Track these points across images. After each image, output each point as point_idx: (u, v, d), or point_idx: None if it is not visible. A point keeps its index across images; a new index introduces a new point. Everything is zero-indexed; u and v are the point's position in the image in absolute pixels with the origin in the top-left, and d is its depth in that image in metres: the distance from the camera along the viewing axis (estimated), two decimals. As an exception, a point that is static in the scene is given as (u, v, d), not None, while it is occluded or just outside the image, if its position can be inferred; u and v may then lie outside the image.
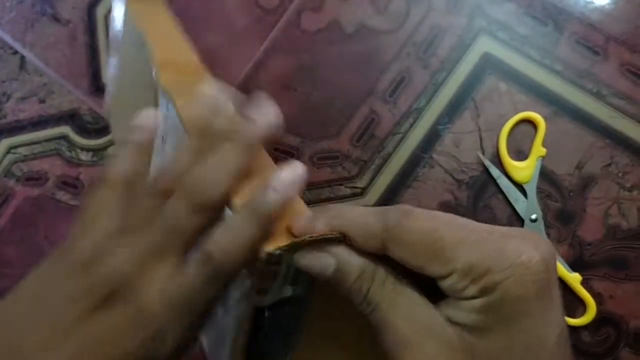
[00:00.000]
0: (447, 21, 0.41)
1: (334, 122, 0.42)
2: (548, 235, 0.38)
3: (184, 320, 0.22)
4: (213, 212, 0.23)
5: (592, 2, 0.40)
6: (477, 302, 0.20)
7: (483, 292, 0.20)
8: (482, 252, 0.20)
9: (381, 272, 0.22)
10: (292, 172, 0.23)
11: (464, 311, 0.21)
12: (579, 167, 0.39)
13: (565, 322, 0.23)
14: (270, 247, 0.22)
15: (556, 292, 0.21)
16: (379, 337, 0.22)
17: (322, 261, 0.22)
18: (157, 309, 0.21)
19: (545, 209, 0.39)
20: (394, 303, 0.22)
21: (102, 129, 0.44)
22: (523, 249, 0.20)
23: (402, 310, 0.21)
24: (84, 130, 0.45)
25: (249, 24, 0.43)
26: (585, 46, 0.40)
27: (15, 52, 0.46)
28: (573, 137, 0.39)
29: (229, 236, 0.22)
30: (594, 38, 0.39)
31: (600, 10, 0.40)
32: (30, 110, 0.45)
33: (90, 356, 0.21)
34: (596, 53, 0.39)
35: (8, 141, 0.45)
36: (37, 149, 0.45)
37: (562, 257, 0.38)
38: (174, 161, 0.24)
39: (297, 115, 0.42)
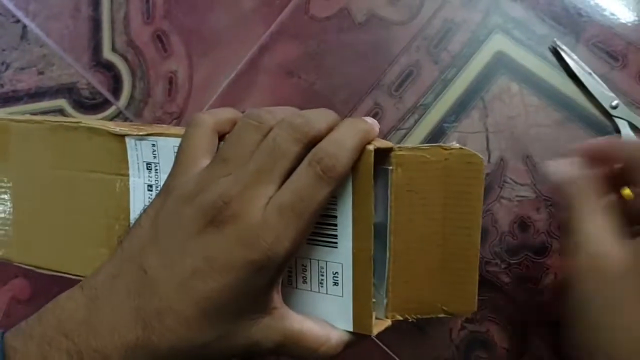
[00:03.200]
0: (461, 16, 0.39)
1: (337, 113, 0.40)
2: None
3: (297, 224, 0.23)
4: (311, 144, 0.24)
5: (614, 5, 0.38)
6: None
7: None
8: None
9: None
10: (371, 119, 0.27)
11: None
12: (588, 176, 0.37)
13: None
14: (372, 146, 0.25)
15: None
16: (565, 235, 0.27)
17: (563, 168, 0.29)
18: (267, 218, 0.23)
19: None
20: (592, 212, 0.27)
21: (99, 105, 0.43)
22: None
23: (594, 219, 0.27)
24: (80, 105, 0.43)
25: (257, 6, 0.42)
26: (605, 51, 0.38)
27: (18, 21, 0.45)
28: (584, 145, 0.37)
29: (333, 142, 0.24)
30: (614, 43, 0.38)
31: (622, 14, 0.38)
32: (28, 81, 0.44)
33: (211, 269, 0.23)
34: (615, 59, 0.38)
35: (3, 111, 0.44)
36: (33, 121, 0.44)
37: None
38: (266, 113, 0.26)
39: (299, 104, 0.40)
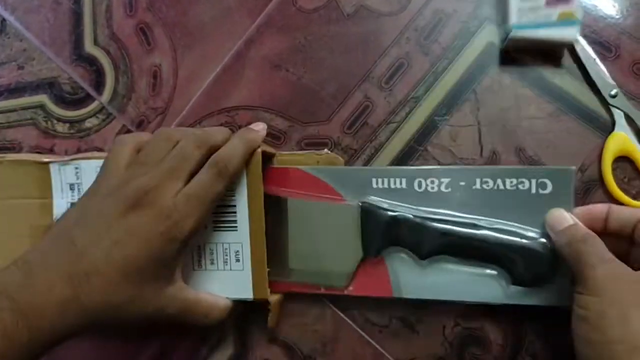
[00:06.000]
0: (452, 6, 0.39)
1: (325, 106, 0.39)
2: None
3: (199, 209, 0.30)
4: (208, 150, 0.32)
5: (607, -5, 0.37)
6: None
7: None
8: None
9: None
10: (262, 124, 0.37)
11: None
12: (581, 169, 0.36)
13: None
14: (260, 149, 0.34)
15: None
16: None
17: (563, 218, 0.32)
18: (176, 203, 0.30)
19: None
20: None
21: (81, 100, 0.42)
22: None
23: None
24: (62, 100, 0.42)
25: (242, -2, 0.41)
26: (597, 41, 0.37)
27: (-4, 14, 0.43)
28: (577, 137, 0.37)
29: (227, 149, 0.32)
30: (607, 33, 0.37)
31: (615, 3, 0.37)
32: (7, 76, 0.43)
33: (131, 239, 0.29)
34: (608, 49, 0.37)
35: (-18, 107, 0.43)
36: (13, 117, 0.43)
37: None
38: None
39: (286, 98, 0.40)
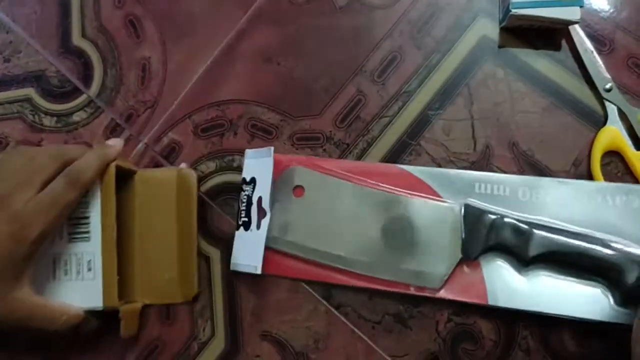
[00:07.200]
0: (445, -1, 0.38)
1: (318, 100, 0.39)
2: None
3: (49, 214, 0.31)
4: (62, 164, 0.33)
5: (602, -11, 0.37)
6: None
7: None
8: None
9: None
10: (119, 140, 0.37)
11: None
12: (575, 164, 0.36)
13: None
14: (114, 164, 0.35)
15: None
16: None
17: None
18: (27, 208, 0.31)
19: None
20: None
21: (68, 93, 0.41)
22: None
23: None
24: (49, 93, 0.41)
25: (233, -10, 0.40)
26: (591, 35, 0.37)
27: (-19, 6, 0.42)
28: (571, 132, 0.36)
29: (80, 162, 0.33)
30: (601, 26, 0.37)
31: (610, -3, 0.37)
32: (-7, 69, 0.42)
33: None
34: (602, 43, 0.37)
35: (-33, 101, 0.42)
36: (-1, 110, 0.42)
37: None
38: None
39: (278, 91, 0.39)
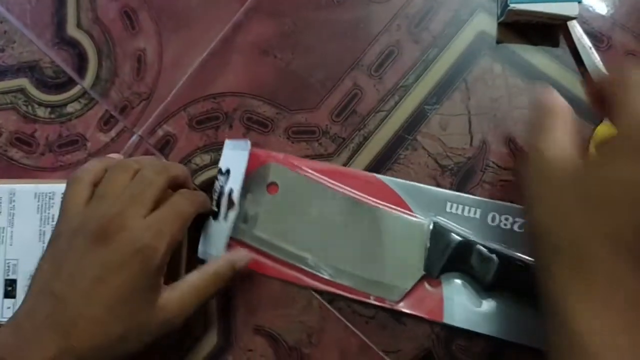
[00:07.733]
0: (444, -6, 0.38)
1: (314, 94, 0.39)
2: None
3: (173, 226, 0.30)
4: (169, 178, 0.32)
5: (600, -15, 0.37)
6: None
7: None
8: None
9: None
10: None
11: None
12: (572, 160, 0.36)
13: None
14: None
15: None
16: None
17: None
18: (149, 223, 0.29)
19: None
20: None
21: (62, 84, 0.41)
22: None
23: None
24: (43, 84, 0.41)
25: (230, -18, 0.40)
26: (589, 31, 0.37)
27: (-25, -5, 0.42)
28: (568, 128, 0.36)
29: (187, 198, 0.32)
30: (600, 23, 0.37)
31: (608, -7, 0.37)
32: (-13, 59, 0.42)
33: (108, 273, 0.28)
34: (600, 40, 0.37)
35: (-40, 90, 0.41)
36: (-8, 101, 0.41)
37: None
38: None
39: (274, 84, 0.39)
